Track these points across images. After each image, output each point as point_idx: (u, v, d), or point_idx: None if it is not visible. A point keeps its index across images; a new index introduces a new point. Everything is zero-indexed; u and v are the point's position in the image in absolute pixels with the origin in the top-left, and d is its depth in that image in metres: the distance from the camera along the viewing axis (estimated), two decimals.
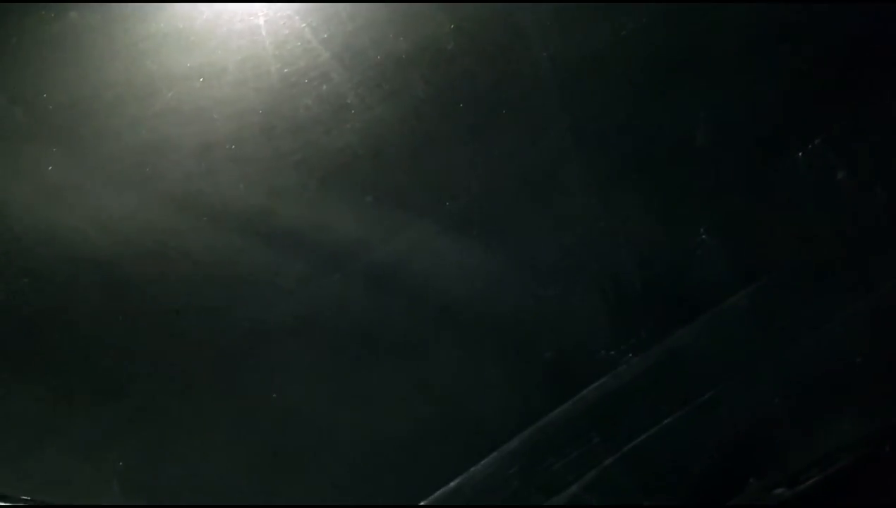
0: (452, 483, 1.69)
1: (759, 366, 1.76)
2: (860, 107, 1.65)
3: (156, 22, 1.41)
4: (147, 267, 1.50)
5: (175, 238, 1.49)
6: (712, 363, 1.74)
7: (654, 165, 1.63)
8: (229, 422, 1.62)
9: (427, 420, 1.69)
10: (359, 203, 1.54)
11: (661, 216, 1.66)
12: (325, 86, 1.47)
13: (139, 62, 1.42)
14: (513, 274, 1.64)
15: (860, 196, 1.68)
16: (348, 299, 1.59)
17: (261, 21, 1.43)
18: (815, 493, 1.82)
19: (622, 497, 1.77)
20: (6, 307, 1.52)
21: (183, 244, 1.50)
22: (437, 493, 1.69)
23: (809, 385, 1.79)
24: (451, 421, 1.70)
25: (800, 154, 1.64)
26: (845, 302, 1.74)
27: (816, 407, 1.81)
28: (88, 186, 1.47)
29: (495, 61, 1.52)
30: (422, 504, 1.69)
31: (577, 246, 1.64)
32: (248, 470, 1.63)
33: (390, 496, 1.69)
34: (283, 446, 1.64)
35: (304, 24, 1.44)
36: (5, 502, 1.57)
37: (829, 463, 1.83)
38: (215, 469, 1.62)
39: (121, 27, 1.41)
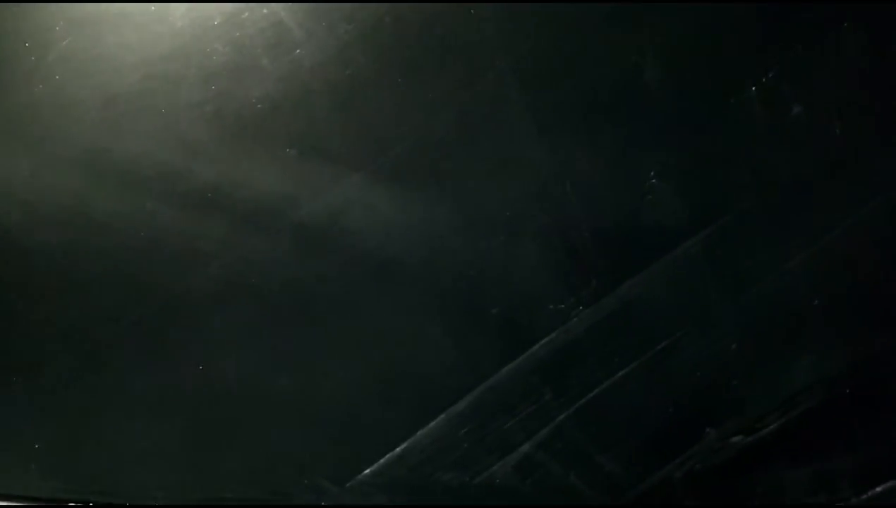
0: (398, 449, 1.62)
1: (714, 313, 1.70)
2: (815, 38, 1.56)
3: None
4: (51, 236, 1.38)
5: (80, 202, 1.37)
6: (666, 312, 1.68)
7: (600, 106, 1.54)
8: (153, 397, 1.52)
9: (368, 384, 1.61)
10: (282, 156, 1.43)
11: (609, 160, 1.56)
12: (237, 30, 1.34)
13: (27, 8, 1.28)
14: (453, 227, 1.55)
15: (817, 133, 1.60)
16: (276, 260, 1.49)
17: None
18: (774, 439, 1.79)
19: (576, 453, 1.71)
20: None
21: (89, 208, 1.37)
22: (382, 460, 1.62)
23: (766, 330, 1.73)
24: (394, 384, 1.62)
25: (753, 88, 1.55)
26: (801, 244, 1.67)
27: (774, 352, 1.76)
28: None
29: None
30: (366, 471, 1.62)
31: (520, 194, 1.55)
32: (175, 446, 1.53)
33: (332, 464, 1.62)
34: (214, 419, 1.55)
35: None
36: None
37: (788, 409, 1.79)
38: (141, 448, 1.52)
39: None
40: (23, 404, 1.47)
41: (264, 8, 1.33)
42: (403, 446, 1.62)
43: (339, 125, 1.44)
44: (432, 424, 1.63)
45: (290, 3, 1.34)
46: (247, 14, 1.33)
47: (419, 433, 1.62)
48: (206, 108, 1.36)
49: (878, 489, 1.77)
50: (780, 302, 1.70)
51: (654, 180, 1.57)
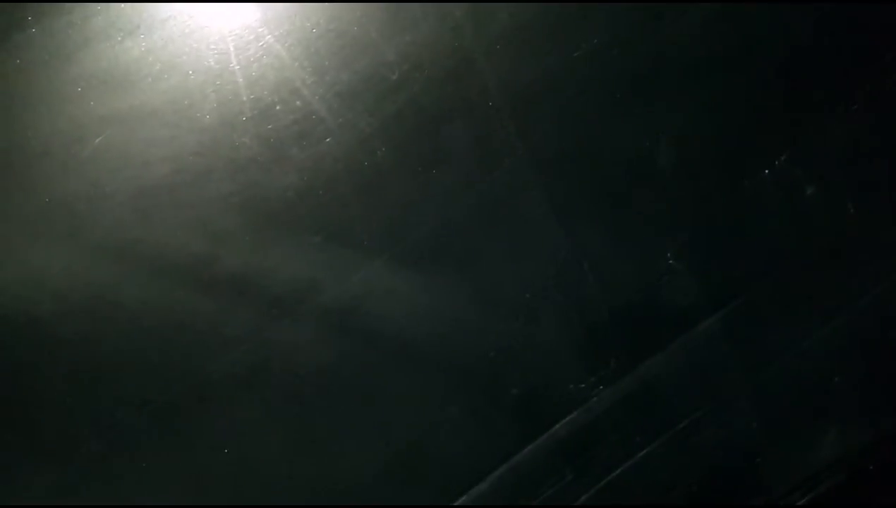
0: None
1: (734, 391, 1.70)
2: (825, 122, 1.59)
3: (79, 64, 1.33)
4: (83, 324, 1.41)
5: (111, 291, 1.41)
6: (686, 391, 1.68)
7: (616, 191, 1.57)
8: (181, 481, 1.53)
9: (391, 465, 1.62)
10: (306, 244, 1.47)
11: (626, 242, 1.59)
12: (263, 124, 1.39)
13: (64, 107, 1.34)
14: (474, 310, 1.57)
15: (831, 213, 1.62)
16: (300, 344, 1.52)
17: (190, 59, 1.35)
18: None
19: None
20: None
21: (119, 297, 1.41)
22: None
23: (787, 407, 1.74)
24: (417, 466, 1.63)
25: (766, 172, 1.58)
26: (820, 321, 1.68)
27: (795, 429, 1.76)
28: (16, 241, 1.38)
29: (443, 89, 1.44)
30: None
31: (539, 278, 1.57)
32: None
33: None
34: (240, 501, 1.56)
35: (236, 62, 1.36)
36: None
37: (812, 486, 1.78)
38: None
39: (41, 72, 1.33)
40: (52, 489, 1.49)
41: (297, 100, 1.38)
42: None
43: (361, 213, 1.47)
44: (455, 505, 1.63)
45: (314, 101, 1.39)
46: (278, 107, 1.38)
47: None
48: (233, 200, 1.41)
49: None
50: (799, 379, 1.71)
51: (671, 261, 1.59)
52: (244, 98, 1.38)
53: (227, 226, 1.43)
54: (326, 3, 1.36)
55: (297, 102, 1.40)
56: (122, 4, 1.31)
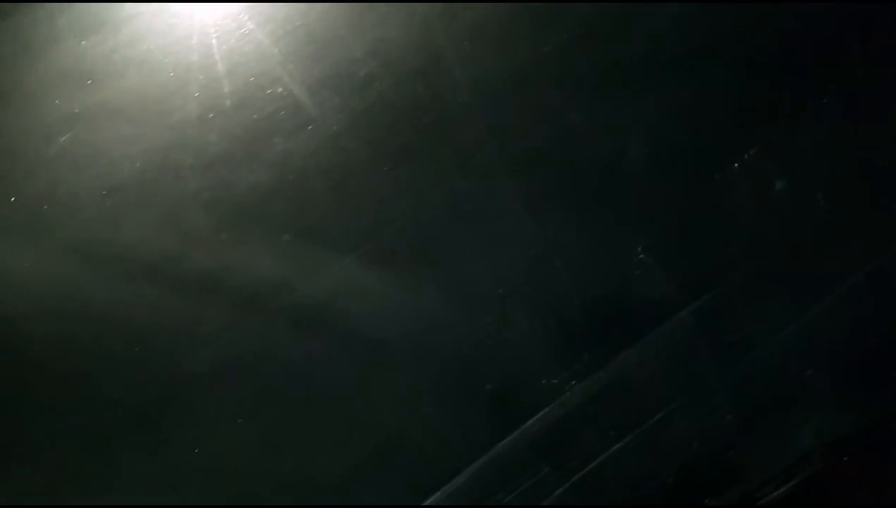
0: None
1: (708, 384, 1.71)
2: (795, 116, 1.60)
3: (44, 62, 1.32)
4: (52, 325, 1.41)
5: (80, 291, 1.40)
6: (660, 383, 1.69)
7: (586, 186, 1.58)
8: (153, 480, 1.53)
9: (366, 462, 1.62)
10: (276, 241, 1.46)
11: (596, 236, 1.60)
12: (230, 121, 1.39)
13: (29, 106, 1.33)
14: (446, 306, 1.58)
15: (801, 204, 1.63)
16: (272, 342, 1.51)
17: (159, 55, 1.34)
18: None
19: None
20: None
21: (89, 297, 1.40)
22: None
23: (761, 399, 1.75)
24: (391, 462, 1.63)
25: (736, 165, 1.59)
26: (791, 313, 1.69)
27: (770, 421, 1.77)
28: None
29: (413, 86, 1.44)
30: None
31: (511, 273, 1.58)
32: None
33: None
34: (212, 500, 1.55)
35: (204, 58, 1.35)
36: None
37: (788, 478, 1.79)
38: None
39: (6, 70, 1.32)
40: (25, 490, 1.48)
41: (265, 97, 1.38)
42: None
43: (331, 210, 1.47)
44: (430, 500, 1.64)
45: (283, 96, 1.39)
46: (246, 105, 1.38)
47: None
48: (202, 197, 1.40)
49: None
50: (773, 370, 1.72)
51: (642, 255, 1.60)
52: (211, 95, 1.37)
53: (196, 223, 1.43)
54: (292, 4, 1.35)
55: (266, 99, 1.40)
56: (87, 3, 1.31)
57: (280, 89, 1.39)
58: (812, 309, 1.70)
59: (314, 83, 1.40)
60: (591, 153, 1.57)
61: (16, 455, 1.49)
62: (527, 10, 1.46)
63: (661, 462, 1.73)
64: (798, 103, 1.60)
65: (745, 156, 1.59)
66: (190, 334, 1.46)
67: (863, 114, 1.63)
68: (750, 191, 1.61)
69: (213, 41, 1.35)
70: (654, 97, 1.56)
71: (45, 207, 1.36)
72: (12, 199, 1.35)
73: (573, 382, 1.64)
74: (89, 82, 1.34)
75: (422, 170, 1.50)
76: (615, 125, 1.56)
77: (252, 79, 1.38)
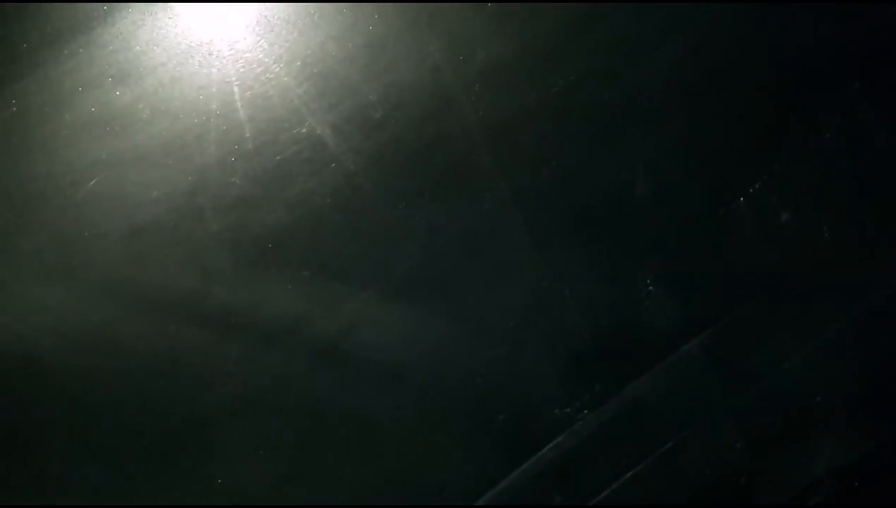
0: None
1: (717, 412, 1.74)
2: (798, 151, 1.64)
3: (73, 110, 1.38)
4: (80, 359, 1.46)
5: (106, 327, 1.45)
6: (670, 412, 1.72)
7: (595, 220, 1.62)
8: None
9: (383, 492, 1.65)
10: (296, 278, 1.51)
11: (607, 269, 1.64)
12: (251, 164, 1.44)
13: (59, 152, 1.39)
14: (459, 339, 1.62)
15: (804, 236, 1.67)
16: (292, 375, 1.56)
17: (179, 104, 1.40)
18: None
19: None
20: None
21: (115, 333, 1.46)
22: None
23: (770, 427, 1.77)
24: (408, 492, 1.67)
25: (741, 199, 1.63)
26: (799, 342, 1.72)
27: (779, 448, 1.79)
28: (13, 281, 1.43)
29: (425, 126, 1.49)
30: None
31: (522, 305, 1.62)
32: None
33: None
34: None
35: (225, 105, 1.41)
36: None
37: (797, 505, 1.81)
38: None
39: (36, 118, 1.38)
40: None
41: (284, 141, 1.44)
42: None
43: (348, 246, 1.52)
44: None
45: (301, 139, 1.44)
46: (266, 149, 1.43)
47: None
48: (224, 237, 1.45)
49: None
50: (781, 399, 1.75)
51: (651, 287, 1.64)
52: (232, 140, 1.43)
53: (218, 262, 1.48)
54: (310, 49, 1.41)
55: (284, 143, 1.46)
56: (115, 54, 1.37)
57: (297, 134, 1.45)
58: (817, 338, 1.73)
59: (331, 128, 1.45)
60: (599, 189, 1.61)
61: (45, 483, 1.53)
62: (534, 52, 1.51)
63: (672, 490, 1.76)
64: (800, 139, 1.64)
65: (750, 190, 1.63)
66: (212, 368, 1.51)
67: (864, 149, 1.66)
68: (755, 224, 1.64)
69: (235, 88, 1.41)
70: (660, 135, 1.60)
71: (74, 248, 1.42)
72: (43, 241, 1.41)
73: (585, 411, 1.67)
74: (115, 130, 1.39)
75: (434, 208, 1.55)
76: (622, 162, 1.60)
77: (270, 124, 1.43)
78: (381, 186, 1.51)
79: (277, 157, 1.45)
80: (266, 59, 1.42)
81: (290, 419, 1.58)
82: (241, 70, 1.42)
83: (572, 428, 1.67)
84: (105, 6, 1.37)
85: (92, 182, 1.41)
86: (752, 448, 1.76)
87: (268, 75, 1.42)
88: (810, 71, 1.61)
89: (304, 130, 1.45)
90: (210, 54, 1.40)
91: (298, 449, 1.61)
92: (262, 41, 1.42)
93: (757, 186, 1.62)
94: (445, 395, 1.64)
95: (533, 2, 1.48)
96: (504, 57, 1.49)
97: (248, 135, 1.44)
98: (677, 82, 1.57)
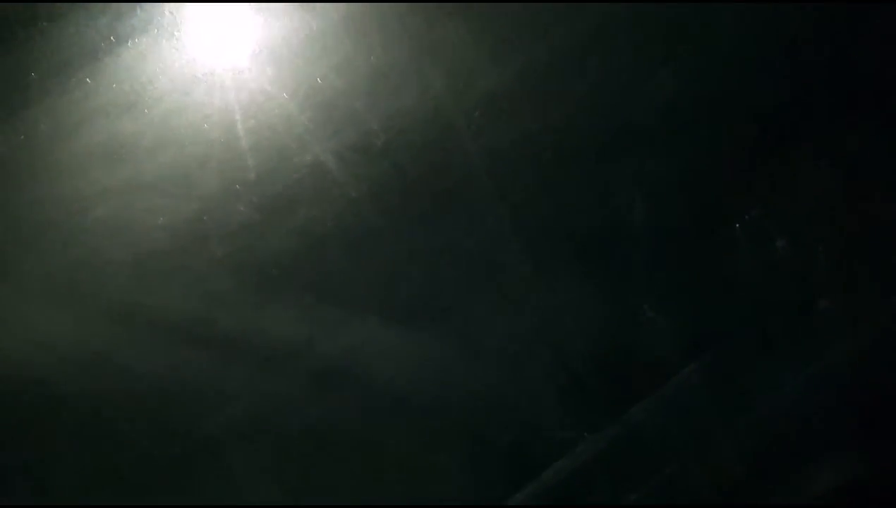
0: None
1: (716, 437, 1.75)
2: (793, 179, 1.66)
3: (80, 139, 1.41)
4: (86, 384, 1.48)
5: (113, 352, 1.47)
6: (669, 437, 1.73)
7: (594, 245, 1.64)
8: None
9: None
10: (299, 302, 1.54)
11: (607, 296, 1.66)
12: (255, 192, 1.47)
13: (66, 180, 1.42)
14: (461, 363, 1.63)
15: (800, 262, 1.69)
16: (295, 398, 1.58)
17: (185, 133, 1.43)
18: None
19: None
20: None
21: (121, 357, 1.48)
22: None
23: (767, 450, 1.78)
24: None
25: (738, 226, 1.65)
26: (796, 367, 1.73)
27: (776, 472, 1.80)
28: (23, 306, 1.45)
29: (426, 155, 1.52)
30: None
31: (523, 330, 1.64)
32: None
33: None
34: None
35: (229, 133, 1.44)
36: None
37: None
38: None
39: (45, 147, 1.41)
40: None
41: (287, 169, 1.46)
42: None
43: (351, 272, 1.55)
44: None
45: (303, 167, 1.47)
46: (270, 176, 1.46)
47: None
48: (228, 263, 1.48)
49: None
50: (779, 424, 1.76)
51: (648, 313, 1.65)
52: (237, 168, 1.45)
53: (223, 288, 1.50)
54: (313, 78, 1.44)
55: (288, 170, 1.48)
56: (121, 84, 1.40)
57: (300, 162, 1.47)
58: (815, 363, 1.74)
59: (333, 155, 1.48)
60: (598, 216, 1.63)
61: (53, 502, 1.55)
62: (534, 82, 1.53)
63: None
64: (795, 167, 1.66)
65: (746, 217, 1.65)
66: (216, 391, 1.53)
67: (859, 177, 1.68)
68: (751, 250, 1.66)
69: (239, 117, 1.44)
70: (658, 163, 1.62)
71: (81, 274, 1.44)
72: (51, 267, 1.43)
73: (586, 435, 1.68)
74: (122, 158, 1.42)
75: (436, 234, 1.57)
76: (621, 190, 1.62)
77: (273, 152, 1.46)
78: (383, 212, 1.53)
79: (281, 185, 1.48)
80: (270, 88, 1.45)
81: (291, 442, 1.60)
82: (245, 99, 1.45)
83: (573, 451, 1.69)
84: (112, 37, 1.40)
85: (98, 209, 1.43)
86: (752, 471, 1.77)
87: (271, 104, 1.45)
88: (807, 101, 1.63)
89: (307, 158, 1.48)
90: (214, 84, 1.43)
91: (300, 473, 1.62)
92: (267, 70, 1.44)
93: (753, 214, 1.64)
94: (447, 418, 1.65)
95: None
96: (503, 86, 1.52)
97: (252, 163, 1.47)
98: (674, 110, 1.60)
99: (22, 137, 1.40)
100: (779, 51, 1.61)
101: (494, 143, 1.54)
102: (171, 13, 1.39)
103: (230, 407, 1.55)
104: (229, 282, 1.50)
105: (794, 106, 1.64)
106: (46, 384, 1.48)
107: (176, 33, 1.41)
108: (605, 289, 1.65)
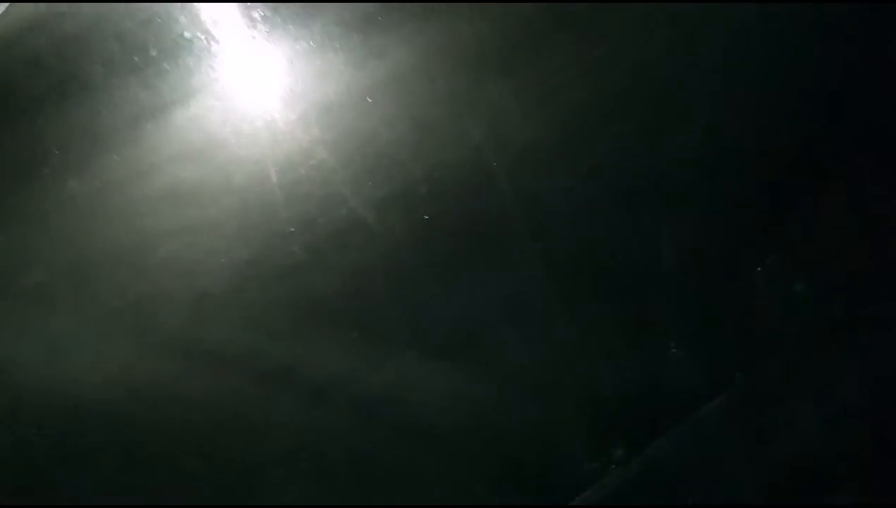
0: None
1: (738, 470, 1.82)
2: (810, 224, 1.75)
3: (149, 184, 1.53)
4: (148, 413, 1.59)
5: (174, 383, 1.58)
6: (693, 469, 1.80)
7: (622, 285, 1.73)
8: None
9: None
10: (345, 339, 1.64)
11: (633, 334, 1.74)
12: (307, 235, 1.58)
13: (134, 222, 1.54)
14: (494, 396, 1.73)
15: (818, 303, 1.77)
16: (338, 429, 1.67)
17: (244, 180, 1.55)
18: None
19: None
20: (15, 455, 1.60)
21: (181, 389, 1.59)
22: None
23: (790, 484, 1.84)
24: None
25: (758, 269, 1.74)
26: (817, 402, 1.81)
27: (800, 506, 1.87)
28: (91, 340, 1.57)
29: (466, 201, 1.63)
30: None
31: (554, 366, 1.73)
32: None
33: None
34: None
35: (285, 179, 1.56)
36: None
37: None
38: None
39: (117, 191, 1.53)
40: None
41: (337, 214, 1.58)
42: None
43: (393, 311, 1.65)
44: None
45: (353, 211, 1.58)
46: (320, 220, 1.57)
47: None
48: (281, 302, 1.59)
49: None
50: (801, 458, 1.83)
51: (674, 350, 1.74)
52: (291, 213, 1.57)
53: (275, 324, 1.61)
54: (362, 132, 1.56)
55: (338, 215, 1.60)
56: (189, 134, 1.52)
57: (351, 208, 1.58)
58: (835, 398, 1.81)
59: (380, 202, 1.59)
60: (627, 257, 1.73)
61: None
62: (567, 134, 1.64)
63: None
64: (812, 213, 1.75)
65: (766, 261, 1.74)
66: (268, 422, 1.63)
67: (874, 223, 1.77)
68: (771, 292, 1.75)
69: (292, 167, 1.56)
70: (684, 208, 1.72)
71: (146, 310, 1.56)
72: (118, 303, 1.55)
73: (612, 467, 1.77)
74: (186, 202, 1.54)
75: (473, 275, 1.68)
76: (649, 232, 1.72)
77: (323, 200, 1.58)
78: (425, 255, 1.64)
79: (330, 229, 1.59)
80: (322, 141, 1.57)
81: (336, 472, 1.69)
82: (297, 151, 1.57)
83: (600, 482, 1.76)
84: (181, 90, 1.52)
85: (163, 249, 1.55)
86: (774, 505, 1.83)
87: (322, 155, 1.57)
88: (821, 146, 1.73)
89: (356, 205, 1.59)
90: (271, 136, 1.55)
91: (342, 501, 1.71)
92: (320, 125, 1.56)
93: (772, 258, 1.73)
94: (480, 449, 1.74)
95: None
96: (540, 138, 1.63)
97: (304, 208, 1.58)
98: (698, 161, 1.70)
99: (97, 182, 1.52)
100: (797, 100, 1.71)
101: (529, 191, 1.64)
102: (234, 73, 1.52)
103: (279, 435, 1.65)
104: (282, 319, 1.61)
105: (808, 154, 1.74)
106: (111, 412, 1.59)
107: (238, 91, 1.53)
108: (633, 327, 1.74)
